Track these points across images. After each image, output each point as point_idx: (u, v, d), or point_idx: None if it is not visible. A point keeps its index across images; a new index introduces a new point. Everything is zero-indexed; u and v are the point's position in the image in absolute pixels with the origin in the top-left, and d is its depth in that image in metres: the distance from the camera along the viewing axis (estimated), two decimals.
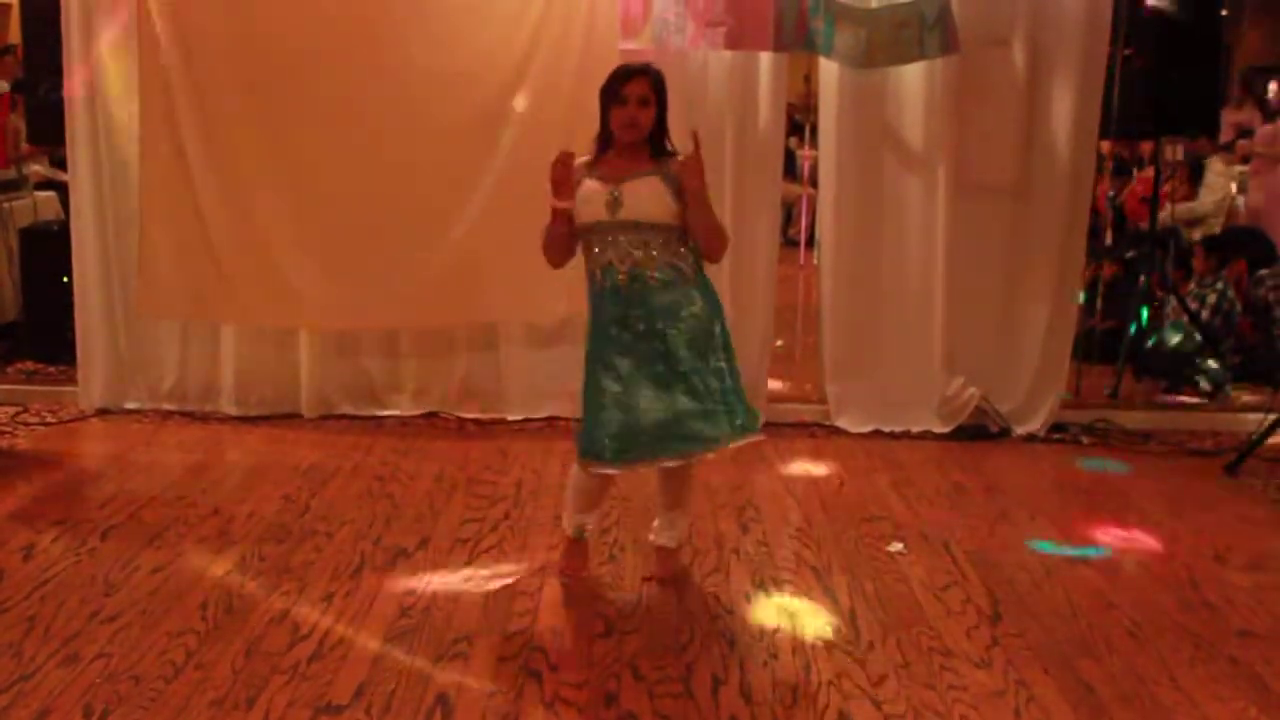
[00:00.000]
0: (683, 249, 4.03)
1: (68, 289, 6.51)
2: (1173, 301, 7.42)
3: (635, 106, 3.98)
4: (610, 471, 4.06)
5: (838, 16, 5.82)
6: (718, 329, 4.07)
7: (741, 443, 4.04)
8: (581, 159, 4.08)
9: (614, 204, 3.96)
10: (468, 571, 4.36)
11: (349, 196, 6.01)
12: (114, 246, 6.37)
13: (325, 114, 5.95)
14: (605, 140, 4.09)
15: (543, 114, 5.85)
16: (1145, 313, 7.36)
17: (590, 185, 4.01)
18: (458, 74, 5.91)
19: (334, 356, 6.45)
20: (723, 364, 4.05)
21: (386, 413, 6.45)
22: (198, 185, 6.02)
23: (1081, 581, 4.40)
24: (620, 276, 3.98)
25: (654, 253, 3.97)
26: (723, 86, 6.14)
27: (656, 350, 3.96)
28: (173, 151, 6.00)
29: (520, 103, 5.91)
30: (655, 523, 4.40)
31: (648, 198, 3.96)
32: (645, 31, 5.83)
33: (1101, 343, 7.25)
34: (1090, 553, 4.70)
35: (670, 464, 4.09)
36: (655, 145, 4.07)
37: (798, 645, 3.82)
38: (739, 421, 4.02)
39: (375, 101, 5.92)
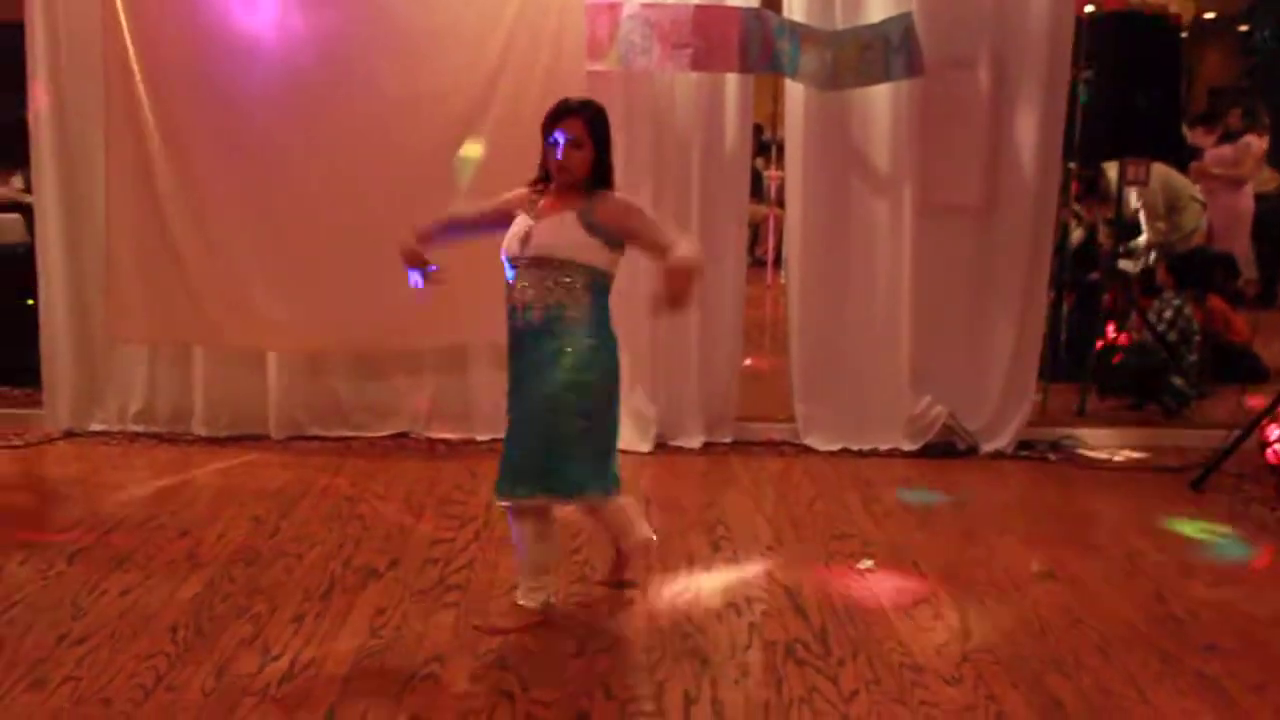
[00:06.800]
0: (589, 294, 3.90)
1: (33, 312, 6.46)
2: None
3: (568, 149, 3.87)
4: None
5: (803, 39, 5.87)
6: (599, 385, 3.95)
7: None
8: (522, 190, 4.05)
9: (525, 239, 3.88)
10: (438, 592, 4.35)
11: (316, 219, 6.01)
12: (80, 269, 6.35)
13: (292, 137, 5.97)
14: (545, 176, 4.01)
15: (509, 136, 5.86)
16: (1110, 331, 7.44)
17: (520, 218, 3.96)
18: (425, 97, 5.94)
19: (302, 378, 6.44)
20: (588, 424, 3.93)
21: (355, 434, 6.43)
22: (165, 207, 6.02)
23: (1050, 597, 4.43)
24: (533, 314, 3.89)
25: (560, 293, 3.86)
26: (690, 107, 6.18)
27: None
28: (139, 173, 6.01)
29: (474, 149, 5.93)
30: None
31: (558, 232, 3.86)
32: (611, 53, 5.86)
33: (1067, 361, 7.31)
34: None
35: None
36: (591, 189, 3.94)
37: (769, 663, 3.83)
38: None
39: (342, 124, 5.95)
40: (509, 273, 3.95)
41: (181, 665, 3.72)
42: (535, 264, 3.87)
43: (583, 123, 3.88)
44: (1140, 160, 7.03)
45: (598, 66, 5.90)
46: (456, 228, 4.20)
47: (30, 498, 5.49)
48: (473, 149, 5.95)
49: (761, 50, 5.88)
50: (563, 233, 3.87)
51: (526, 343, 3.92)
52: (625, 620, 4.16)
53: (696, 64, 5.90)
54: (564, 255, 3.86)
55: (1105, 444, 6.51)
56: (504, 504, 4.00)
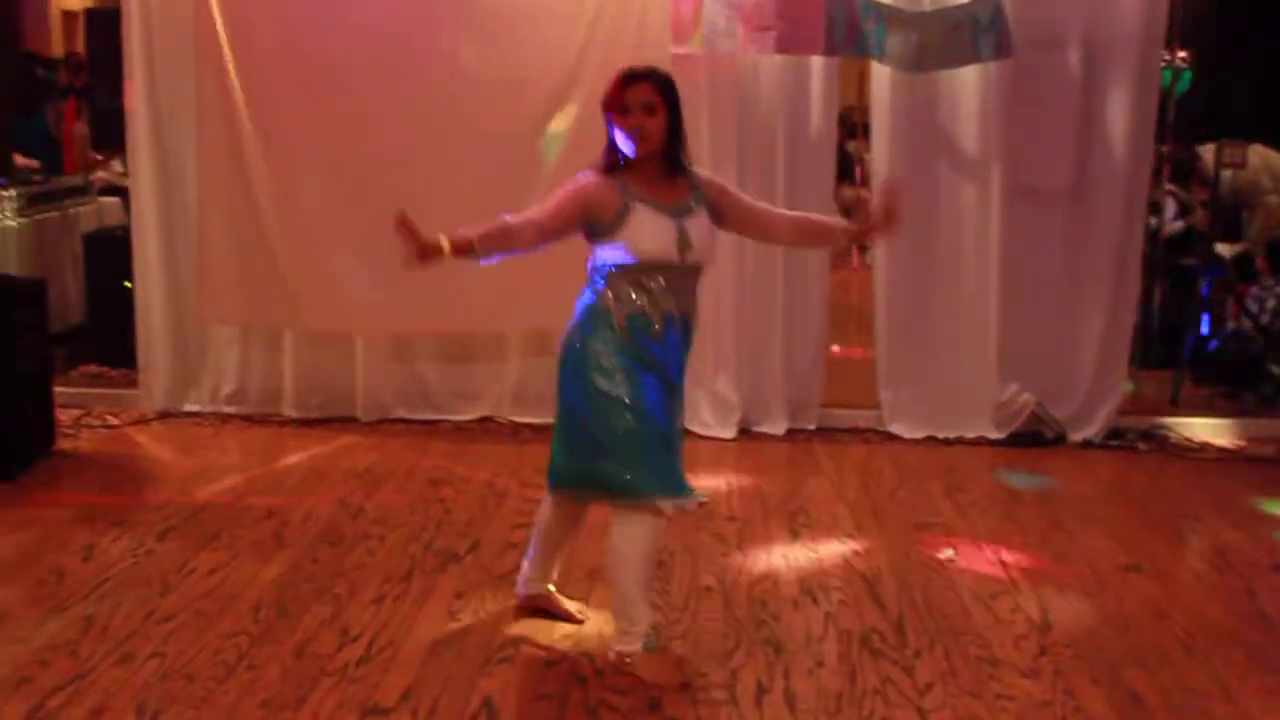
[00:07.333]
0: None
1: (130, 294, 6.61)
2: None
3: (641, 115, 3.53)
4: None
5: (889, 19, 5.79)
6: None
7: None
8: (590, 176, 3.63)
9: (684, 244, 3.55)
10: (517, 577, 4.38)
11: (403, 203, 6.03)
12: (175, 252, 6.48)
13: (380, 121, 6.02)
14: (613, 156, 3.62)
15: (593, 120, 5.85)
16: (1206, 317, 7.27)
17: (647, 212, 3.54)
18: (510, 81, 5.96)
19: (390, 362, 6.51)
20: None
21: (441, 417, 6.50)
22: (255, 192, 6.12)
23: (1136, 591, 4.35)
24: (657, 326, 3.58)
25: (694, 300, 3.66)
26: (774, 90, 6.13)
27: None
28: (230, 157, 6.11)
29: (561, 123, 5.94)
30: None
31: (709, 235, 3.64)
32: (696, 36, 5.84)
33: (1160, 348, 7.16)
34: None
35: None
36: (671, 161, 3.62)
37: (844, 653, 3.81)
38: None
39: (429, 108, 6.00)
40: (649, 278, 3.56)
41: (263, 644, 3.80)
42: (688, 273, 3.61)
43: (651, 86, 3.55)
44: (1238, 142, 6.84)
45: (682, 49, 5.87)
46: (512, 248, 3.62)
47: (124, 476, 5.62)
48: (560, 123, 5.95)
49: (847, 32, 5.81)
50: (711, 238, 3.66)
51: (654, 352, 3.59)
52: (700, 607, 4.16)
53: (781, 46, 5.85)
54: (709, 262, 3.71)
55: (1198, 434, 6.36)
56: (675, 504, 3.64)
